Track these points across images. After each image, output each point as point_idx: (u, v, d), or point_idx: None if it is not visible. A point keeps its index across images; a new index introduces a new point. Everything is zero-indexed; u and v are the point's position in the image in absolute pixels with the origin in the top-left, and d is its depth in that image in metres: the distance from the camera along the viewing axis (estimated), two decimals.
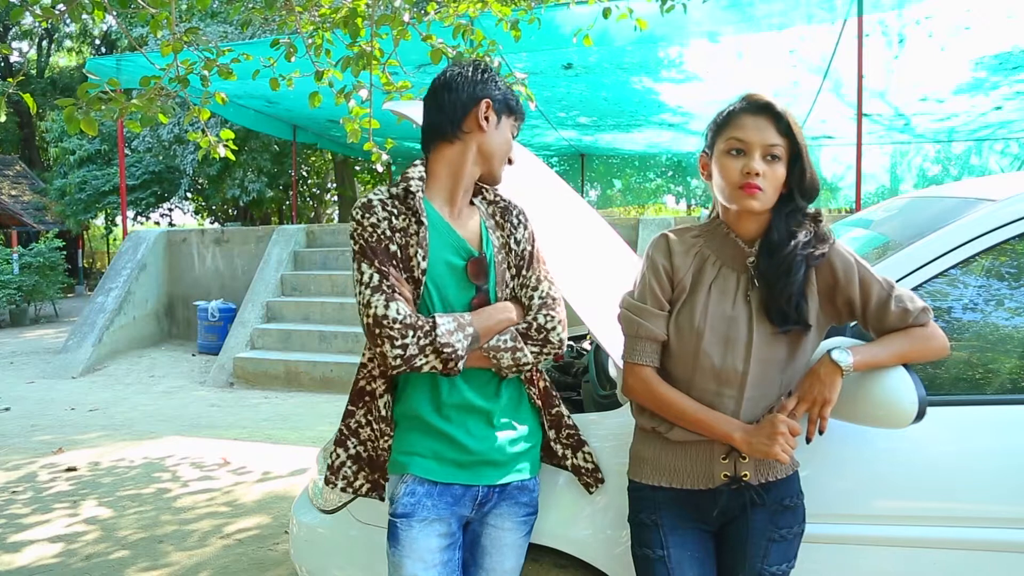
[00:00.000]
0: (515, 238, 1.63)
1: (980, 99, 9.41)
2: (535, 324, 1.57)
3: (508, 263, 1.62)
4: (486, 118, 1.57)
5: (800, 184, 1.44)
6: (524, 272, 1.63)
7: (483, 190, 1.67)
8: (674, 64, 8.74)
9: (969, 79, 8.68)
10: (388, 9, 3.84)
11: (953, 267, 1.65)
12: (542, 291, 1.62)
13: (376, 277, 1.47)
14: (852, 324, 1.58)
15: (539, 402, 1.66)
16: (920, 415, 1.39)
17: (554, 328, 1.58)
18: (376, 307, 1.44)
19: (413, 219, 1.52)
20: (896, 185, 12.86)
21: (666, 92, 9.75)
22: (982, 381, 1.72)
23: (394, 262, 1.50)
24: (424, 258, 1.51)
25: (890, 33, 7.68)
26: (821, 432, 1.40)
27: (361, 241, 1.50)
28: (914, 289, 1.63)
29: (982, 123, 10.71)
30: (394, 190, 1.55)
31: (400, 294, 1.47)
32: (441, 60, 3.69)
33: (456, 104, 1.56)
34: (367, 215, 1.51)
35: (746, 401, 1.45)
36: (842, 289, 1.45)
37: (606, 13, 4.22)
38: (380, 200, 1.53)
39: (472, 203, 1.64)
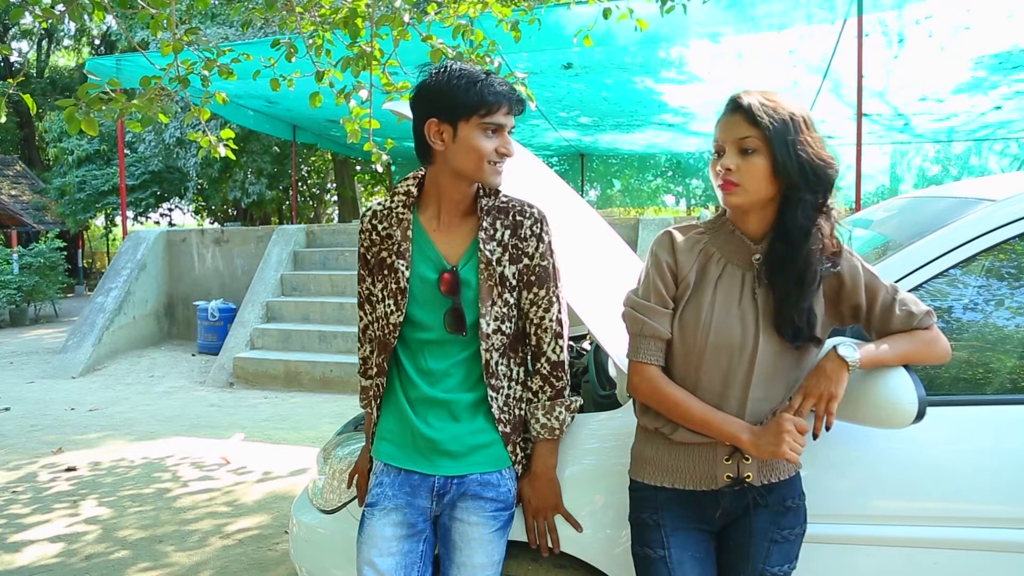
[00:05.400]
0: (527, 252, 1.61)
1: (980, 99, 9.41)
2: (552, 359, 1.64)
3: (500, 279, 1.58)
4: (440, 138, 1.54)
5: (785, 171, 1.35)
6: (537, 289, 1.62)
7: (498, 197, 1.62)
8: (674, 64, 8.75)
9: (969, 79, 8.68)
10: (388, 9, 3.84)
11: (953, 267, 1.65)
12: (553, 314, 1.63)
13: (361, 292, 1.71)
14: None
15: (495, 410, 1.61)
16: (920, 415, 1.39)
17: (564, 360, 1.66)
18: (358, 321, 1.77)
19: (398, 231, 1.61)
20: (896, 185, 12.88)
21: (667, 92, 9.76)
22: (982, 381, 1.72)
23: (384, 271, 1.62)
24: (407, 268, 1.59)
25: (890, 33, 7.68)
26: (828, 428, 1.38)
27: (359, 246, 1.68)
28: (914, 289, 1.63)
29: (982, 123, 10.72)
30: (387, 201, 1.66)
31: (374, 311, 1.68)
32: (441, 60, 3.68)
33: (416, 130, 1.57)
34: (362, 222, 1.67)
35: (751, 402, 1.44)
36: (848, 294, 1.45)
37: (606, 14, 4.21)
38: (373, 210, 1.66)
39: (481, 209, 1.60)
